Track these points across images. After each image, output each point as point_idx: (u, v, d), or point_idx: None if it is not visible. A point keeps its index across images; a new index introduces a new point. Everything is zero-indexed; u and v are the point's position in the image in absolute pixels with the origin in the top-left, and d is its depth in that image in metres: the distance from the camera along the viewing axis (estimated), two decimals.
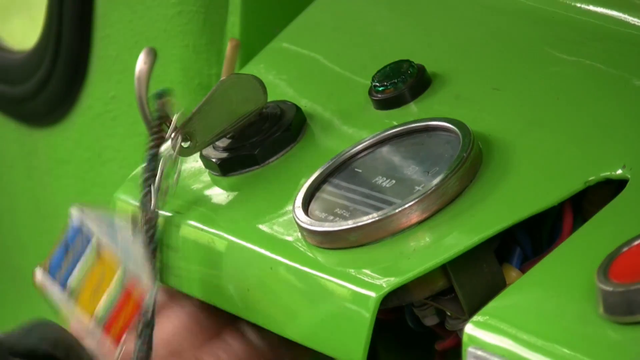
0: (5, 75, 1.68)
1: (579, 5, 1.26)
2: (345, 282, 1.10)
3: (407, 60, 1.25)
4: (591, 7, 1.24)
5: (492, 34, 1.30)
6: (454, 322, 1.10)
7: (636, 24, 1.21)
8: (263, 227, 1.20)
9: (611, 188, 1.08)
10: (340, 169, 1.19)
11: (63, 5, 1.56)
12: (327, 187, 1.18)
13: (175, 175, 1.25)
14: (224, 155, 1.25)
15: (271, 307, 1.22)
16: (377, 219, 1.11)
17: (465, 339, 1.00)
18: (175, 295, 1.31)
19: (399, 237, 1.11)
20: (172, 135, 1.25)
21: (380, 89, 1.23)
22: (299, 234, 1.16)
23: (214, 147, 1.25)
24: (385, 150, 1.19)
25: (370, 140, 1.20)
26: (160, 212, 1.26)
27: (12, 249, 1.87)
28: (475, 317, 1.01)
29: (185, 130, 1.25)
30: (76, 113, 1.59)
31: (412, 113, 1.22)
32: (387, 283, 1.07)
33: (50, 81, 1.60)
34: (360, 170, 1.18)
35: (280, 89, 1.31)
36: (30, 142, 1.71)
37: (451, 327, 1.12)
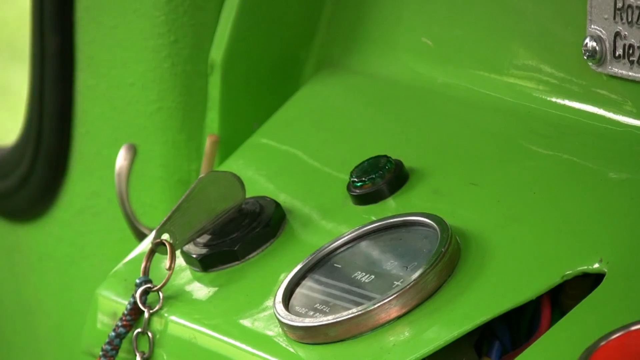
0: None
1: (554, 100, 1.26)
2: None
3: (385, 156, 1.25)
4: (566, 102, 1.25)
5: (469, 129, 1.30)
6: None
7: (610, 117, 1.22)
8: (244, 322, 1.20)
9: (589, 281, 1.09)
10: (320, 264, 1.19)
11: (43, 101, 1.57)
12: (307, 283, 1.18)
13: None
14: (204, 251, 1.25)
15: None
16: (356, 314, 1.11)
17: None
18: None
19: (378, 332, 1.11)
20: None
21: (358, 184, 1.23)
22: (280, 329, 1.15)
23: (194, 244, 1.25)
24: (364, 245, 1.19)
25: (349, 236, 1.20)
26: (143, 307, 1.25)
27: None
28: None
29: (165, 229, 1.25)
30: (58, 208, 1.60)
31: (391, 208, 1.22)
32: None
33: (31, 177, 1.61)
34: (339, 266, 1.18)
35: (260, 184, 1.31)
36: (12, 238, 1.72)
37: None
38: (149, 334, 1.24)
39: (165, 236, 1.23)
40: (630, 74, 1.21)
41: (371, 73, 1.41)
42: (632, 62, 1.20)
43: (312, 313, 1.15)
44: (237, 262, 1.25)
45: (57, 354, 1.68)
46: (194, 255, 1.25)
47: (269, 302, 1.19)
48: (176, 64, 1.39)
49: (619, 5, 1.20)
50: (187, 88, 1.42)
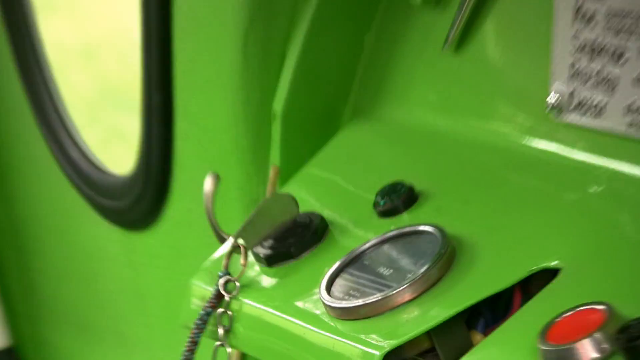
0: (111, 193, 1.69)
1: (525, 140, 1.26)
2: (358, 344, 1.12)
3: (401, 182, 1.27)
4: (534, 142, 1.25)
5: (463, 162, 1.31)
6: None
7: (567, 154, 1.22)
8: (298, 304, 1.22)
9: (549, 275, 1.11)
10: (353, 262, 1.21)
11: (151, 141, 1.59)
12: (343, 275, 1.20)
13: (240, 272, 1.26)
14: (269, 252, 1.27)
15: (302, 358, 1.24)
16: (379, 298, 1.14)
17: None
18: None
19: (395, 311, 1.14)
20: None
21: (381, 203, 1.25)
22: (324, 309, 1.19)
23: (261, 246, 1.27)
24: (385, 247, 1.21)
25: (375, 241, 1.22)
26: (224, 293, 1.28)
27: (117, 321, 1.85)
28: None
29: (240, 235, 1.27)
30: (162, 221, 1.60)
31: (405, 220, 1.24)
32: (387, 344, 1.09)
33: (143, 198, 1.61)
34: (367, 263, 1.20)
35: (309, 203, 1.32)
36: (130, 242, 1.71)
37: None
38: (229, 313, 1.26)
39: (240, 241, 1.26)
40: (581, 122, 1.21)
41: (392, 121, 1.40)
42: (582, 114, 1.21)
43: (347, 297, 1.18)
44: (292, 260, 1.27)
45: (163, 327, 1.68)
46: (261, 255, 1.27)
47: (316, 290, 1.21)
48: (248, 114, 1.40)
49: (572, 71, 1.21)
50: (257, 131, 1.42)
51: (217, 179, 1.27)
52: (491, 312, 1.13)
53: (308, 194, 1.34)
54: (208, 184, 1.26)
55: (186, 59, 1.48)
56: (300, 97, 1.41)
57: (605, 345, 0.97)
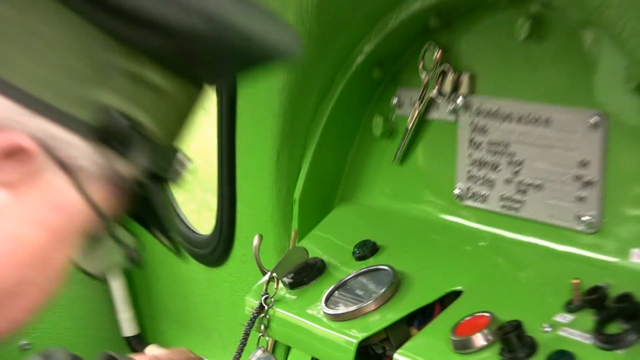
0: (198, 245, 1.64)
1: (442, 216, 1.23)
2: (344, 335, 1.10)
3: (369, 240, 1.24)
4: (447, 217, 1.22)
5: (406, 228, 1.27)
6: (390, 352, 1.09)
7: (467, 223, 1.19)
8: (309, 311, 1.19)
9: (456, 295, 1.08)
10: (341, 287, 1.19)
11: (223, 212, 1.54)
12: (335, 294, 1.19)
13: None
14: (291, 280, 1.24)
15: (310, 346, 1.19)
16: (356, 308, 1.13)
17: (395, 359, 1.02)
18: None
19: (366, 316, 1.12)
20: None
21: (357, 252, 1.23)
22: (324, 315, 1.16)
23: (287, 277, 1.24)
24: (360, 278, 1.19)
25: (353, 274, 1.19)
26: (264, 305, 1.23)
27: (201, 320, 1.75)
28: (399, 350, 1.03)
29: (274, 270, 1.23)
30: (229, 261, 1.56)
31: (371, 262, 1.21)
32: (361, 335, 1.08)
33: (217, 248, 1.57)
34: (349, 287, 1.18)
35: (315, 251, 1.29)
36: (209, 273, 1.66)
37: (389, 354, 1.11)
38: (267, 317, 1.23)
39: (274, 274, 1.24)
40: (474, 205, 1.19)
41: (364, 204, 1.36)
42: (474, 200, 1.18)
43: (337, 308, 1.17)
44: (305, 285, 1.24)
45: (230, 324, 1.59)
46: (286, 282, 1.24)
47: (319, 303, 1.19)
48: (280, 199, 1.37)
49: (468, 176, 1.18)
50: (284, 210, 1.39)
51: (261, 237, 1.26)
52: (422, 316, 1.12)
53: (315, 246, 1.31)
54: (256, 240, 1.25)
55: (243, 166, 1.45)
56: (309, 190, 1.38)
57: (490, 337, 0.97)
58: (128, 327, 1.91)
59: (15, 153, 0.62)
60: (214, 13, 0.63)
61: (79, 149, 0.63)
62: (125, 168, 0.65)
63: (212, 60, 0.66)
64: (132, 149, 0.64)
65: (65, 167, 0.63)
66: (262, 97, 1.30)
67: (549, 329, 0.92)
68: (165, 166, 0.68)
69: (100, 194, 0.66)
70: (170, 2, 0.63)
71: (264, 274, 1.23)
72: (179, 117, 0.68)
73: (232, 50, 0.66)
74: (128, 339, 1.93)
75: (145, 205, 0.69)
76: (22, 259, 0.65)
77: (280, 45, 0.68)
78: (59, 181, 0.63)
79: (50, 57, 0.62)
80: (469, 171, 1.15)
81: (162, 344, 1.30)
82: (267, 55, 0.68)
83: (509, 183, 1.09)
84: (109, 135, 0.63)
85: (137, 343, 1.91)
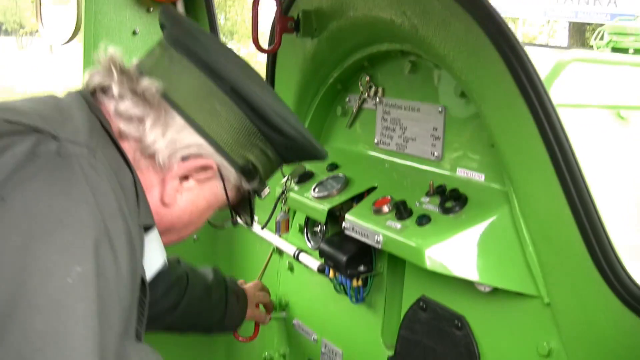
0: None
1: (369, 153, 1.54)
2: (321, 205, 1.43)
3: (334, 162, 1.48)
4: (371, 153, 1.52)
5: (353, 159, 1.56)
6: (343, 215, 1.39)
7: (382, 158, 1.49)
8: (305, 194, 1.51)
9: (374, 188, 1.39)
10: (320, 184, 1.49)
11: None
12: (318, 187, 1.48)
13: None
14: (297, 179, 1.47)
15: (305, 211, 1.49)
16: (327, 194, 1.38)
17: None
18: None
19: (332, 197, 1.45)
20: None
21: (328, 167, 1.49)
22: (312, 196, 1.44)
23: (295, 178, 1.44)
24: (329, 180, 1.43)
25: (326, 178, 1.46)
26: (285, 191, 1.43)
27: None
28: (347, 214, 1.28)
29: (290, 175, 1.50)
30: None
31: (334, 172, 1.51)
32: (329, 206, 1.42)
33: None
34: (324, 184, 1.48)
35: (308, 167, 1.55)
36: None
37: (343, 216, 1.42)
38: (285, 196, 1.52)
39: (289, 176, 1.50)
40: (384, 148, 1.50)
41: (333, 147, 1.74)
42: (384, 145, 1.46)
43: (319, 193, 1.43)
44: (303, 182, 1.49)
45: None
46: (295, 180, 1.50)
47: (310, 190, 1.47)
48: None
49: (381, 134, 1.49)
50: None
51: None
52: (358, 200, 1.39)
53: (307, 165, 1.56)
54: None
55: None
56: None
57: (390, 207, 1.17)
58: None
59: (206, 167, 0.98)
60: (302, 133, 1.01)
61: (231, 173, 0.99)
62: (246, 185, 1.02)
63: (294, 153, 1.02)
64: (251, 179, 1.00)
65: (223, 179, 0.99)
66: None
67: (418, 205, 1.33)
68: (260, 189, 1.06)
69: (232, 193, 1.03)
70: (291, 125, 0.97)
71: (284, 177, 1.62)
72: (272, 171, 1.05)
73: (304, 151, 1.00)
74: None
75: (247, 203, 1.06)
76: (194, 213, 1.00)
77: (322, 152, 1.04)
78: (218, 184, 1.00)
79: (228, 130, 0.94)
80: (381, 132, 1.59)
81: None
82: (317, 157, 1.03)
83: (400, 137, 1.55)
84: (245, 171, 0.98)
85: None
